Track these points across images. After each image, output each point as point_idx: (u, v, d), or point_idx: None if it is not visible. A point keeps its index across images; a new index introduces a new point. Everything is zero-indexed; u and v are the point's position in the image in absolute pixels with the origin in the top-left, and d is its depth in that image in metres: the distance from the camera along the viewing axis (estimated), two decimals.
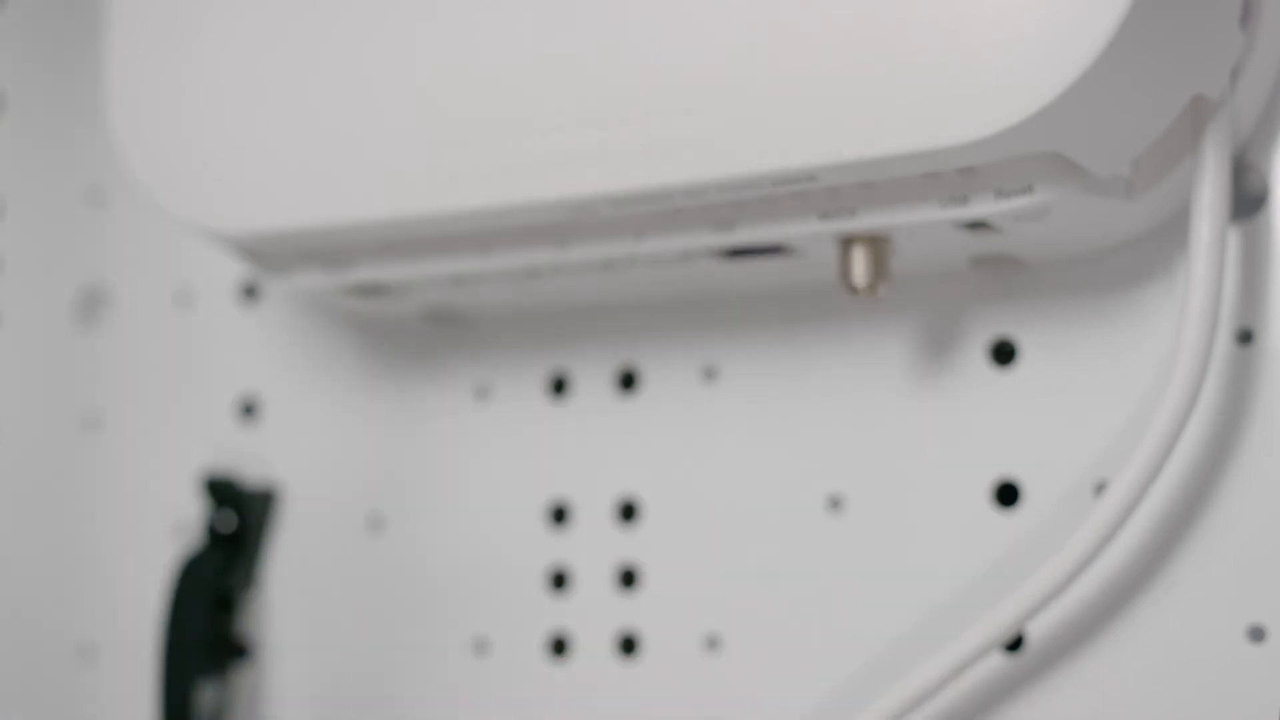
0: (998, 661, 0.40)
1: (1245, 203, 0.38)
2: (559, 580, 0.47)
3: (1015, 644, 0.40)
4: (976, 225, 0.37)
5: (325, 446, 0.51)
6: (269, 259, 0.45)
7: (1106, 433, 0.39)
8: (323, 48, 0.41)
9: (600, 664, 0.46)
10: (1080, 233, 0.38)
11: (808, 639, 0.43)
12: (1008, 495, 0.41)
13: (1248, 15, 0.36)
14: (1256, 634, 0.37)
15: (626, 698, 0.45)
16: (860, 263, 0.38)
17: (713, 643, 0.44)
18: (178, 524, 0.53)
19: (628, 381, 0.46)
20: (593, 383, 0.47)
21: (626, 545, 0.46)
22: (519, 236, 0.41)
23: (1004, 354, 0.41)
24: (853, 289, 0.38)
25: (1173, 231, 0.38)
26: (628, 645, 0.46)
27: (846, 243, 0.38)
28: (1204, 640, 0.38)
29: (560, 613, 0.46)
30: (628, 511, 0.46)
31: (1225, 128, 0.36)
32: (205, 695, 0.50)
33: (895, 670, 0.40)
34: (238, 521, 0.51)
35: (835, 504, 0.43)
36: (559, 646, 0.47)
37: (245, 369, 0.53)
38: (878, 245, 0.38)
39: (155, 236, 0.55)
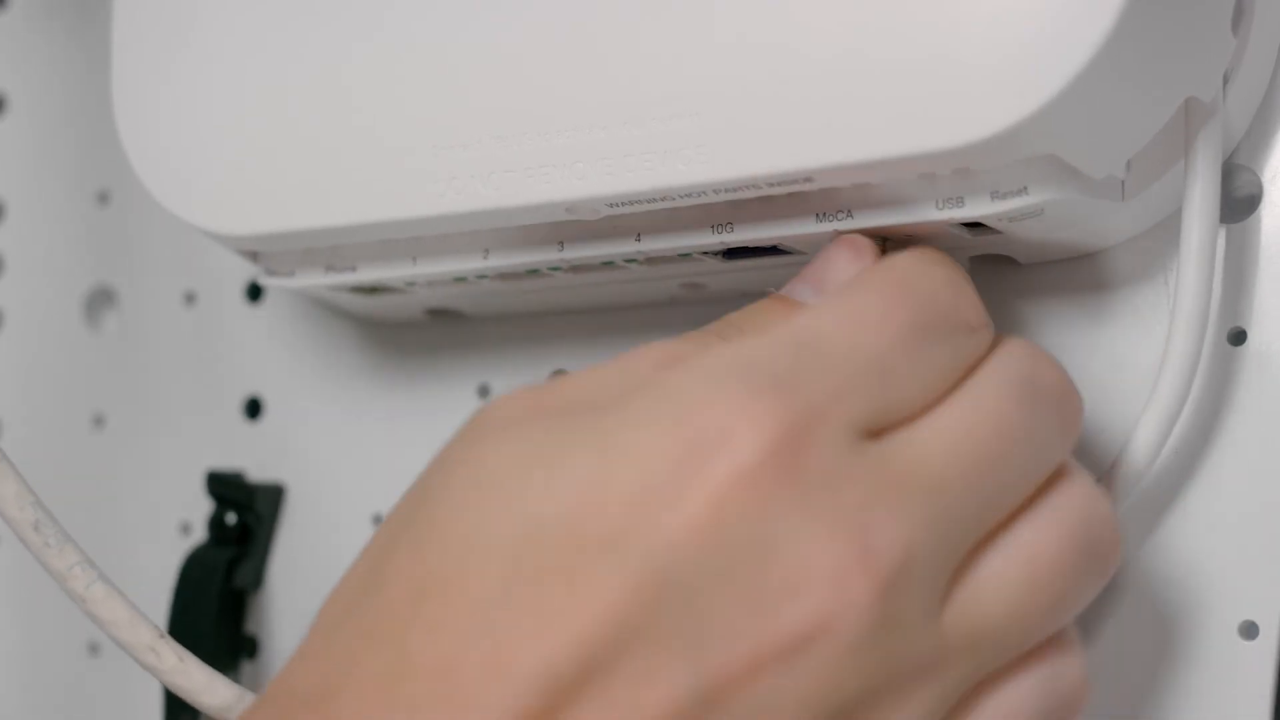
0: None
1: (1237, 205, 0.38)
2: None
3: None
4: (973, 225, 0.37)
5: (329, 445, 0.51)
6: (272, 260, 0.45)
7: (1100, 432, 0.39)
8: (324, 52, 0.41)
9: None
10: (1075, 233, 0.38)
11: None
12: None
13: (1240, 18, 0.36)
14: (1249, 630, 0.37)
15: None
16: None
17: None
18: (185, 522, 0.54)
19: None
20: None
21: None
22: (519, 237, 0.41)
23: None
24: None
25: (1167, 232, 0.39)
26: None
27: None
28: (1197, 637, 0.38)
29: None
30: None
31: (1217, 130, 0.36)
32: None
33: None
34: (246, 518, 0.51)
35: None
36: None
37: (251, 367, 0.53)
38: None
39: (161, 236, 0.55)
